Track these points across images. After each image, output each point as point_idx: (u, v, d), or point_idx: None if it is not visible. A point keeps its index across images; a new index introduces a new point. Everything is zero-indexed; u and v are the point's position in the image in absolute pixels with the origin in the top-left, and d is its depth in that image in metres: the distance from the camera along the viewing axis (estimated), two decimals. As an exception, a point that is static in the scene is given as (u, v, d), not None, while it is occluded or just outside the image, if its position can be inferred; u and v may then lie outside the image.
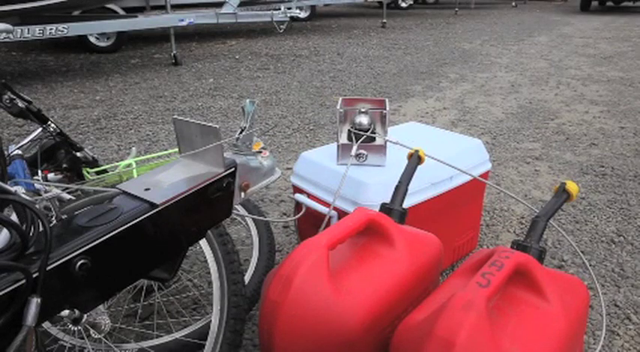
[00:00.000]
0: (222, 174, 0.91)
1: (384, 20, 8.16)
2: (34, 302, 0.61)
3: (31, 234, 0.66)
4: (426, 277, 1.06)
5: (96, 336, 1.07)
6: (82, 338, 1.13)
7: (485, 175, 1.58)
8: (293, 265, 0.92)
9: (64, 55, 5.55)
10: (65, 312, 0.90)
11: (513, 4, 12.88)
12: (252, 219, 1.56)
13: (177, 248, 0.89)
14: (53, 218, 0.78)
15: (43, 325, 1.17)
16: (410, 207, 1.27)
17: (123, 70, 4.87)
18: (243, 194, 1.02)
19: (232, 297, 1.11)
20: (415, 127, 1.80)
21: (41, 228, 0.66)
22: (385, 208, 1.15)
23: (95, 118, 3.33)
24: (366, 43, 6.53)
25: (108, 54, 5.61)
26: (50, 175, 1.43)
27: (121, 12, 5.48)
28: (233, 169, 0.93)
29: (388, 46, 6.29)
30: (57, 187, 0.90)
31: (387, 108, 1.38)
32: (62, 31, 4.23)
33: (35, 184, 1.12)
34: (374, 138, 1.40)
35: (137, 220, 0.76)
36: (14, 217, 0.67)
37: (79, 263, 0.68)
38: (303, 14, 8.46)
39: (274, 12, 5.47)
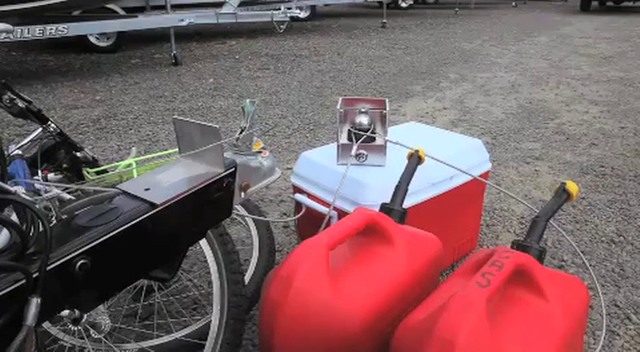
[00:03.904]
0: (222, 174, 0.90)
1: (384, 20, 8.16)
2: (34, 302, 0.61)
3: (31, 234, 0.66)
4: (425, 277, 1.06)
5: (96, 336, 1.07)
6: (82, 338, 1.13)
7: (485, 175, 1.58)
8: (293, 265, 0.92)
9: (64, 55, 5.55)
10: (65, 312, 0.91)
11: (513, 4, 12.87)
12: (252, 219, 1.56)
13: (177, 248, 0.89)
14: (53, 218, 0.77)
15: (43, 325, 1.17)
16: (410, 207, 1.27)
17: (123, 70, 4.87)
18: (243, 194, 1.02)
19: (232, 297, 1.11)
20: (415, 127, 1.80)
21: (41, 228, 0.66)
22: (385, 208, 1.15)
23: (95, 118, 3.33)
24: (366, 43, 6.53)
25: (108, 54, 5.61)
26: (50, 175, 1.43)
27: (121, 12, 5.47)
28: (233, 169, 0.93)
29: (388, 46, 6.29)
30: (57, 187, 0.90)
31: (387, 108, 1.38)
32: (62, 31, 4.23)
33: (35, 184, 1.12)
34: (374, 138, 1.40)
35: (137, 220, 0.76)
36: (14, 217, 0.67)
37: (79, 263, 0.68)
38: (303, 14, 8.45)
39: (274, 12, 5.46)
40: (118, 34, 5.64)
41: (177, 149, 0.97)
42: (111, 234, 0.72)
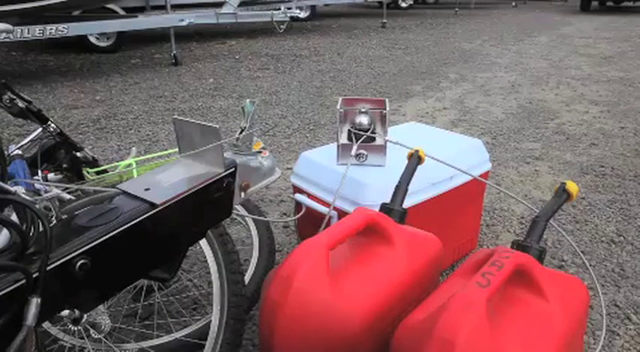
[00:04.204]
0: (222, 174, 0.90)
1: (384, 20, 8.16)
2: (34, 302, 0.61)
3: (31, 234, 0.66)
4: (425, 277, 1.06)
5: (96, 336, 1.07)
6: (82, 338, 1.13)
7: (485, 175, 1.58)
8: (293, 265, 0.92)
9: (64, 55, 5.55)
10: (65, 312, 0.90)
11: (513, 4, 12.88)
12: (252, 219, 1.56)
13: (177, 248, 0.89)
14: (53, 218, 0.77)
15: (43, 325, 1.17)
16: (410, 207, 1.27)
17: (123, 70, 4.87)
18: (243, 194, 1.02)
19: (232, 297, 1.11)
20: (415, 127, 1.80)
21: (41, 228, 0.66)
22: (385, 208, 1.15)
23: (95, 118, 3.33)
24: (366, 43, 6.53)
25: (108, 54, 5.61)
26: (50, 175, 1.43)
27: (121, 12, 5.47)
28: (233, 169, 0.93)
29: (388, 46, 6.29)
30: (57, 187, 0.90)
31: (387, 108, 1.38)
32: (62, 31, 4.23)
33: (35, 184, 1.12)
34: (374, 138, 1.40)
35: (137, 220, 0.76)
36: (14, 217, 0.67)
37: (79, 263, 0.68)
38: (303, 14, 8.45)
39: (274, 12, 5.46)
40: (118, 34, 5.64)
41: (177, 149, 0.97)
42: (111, 234, 0.72)
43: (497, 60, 5.38)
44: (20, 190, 0.91)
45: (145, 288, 1.34)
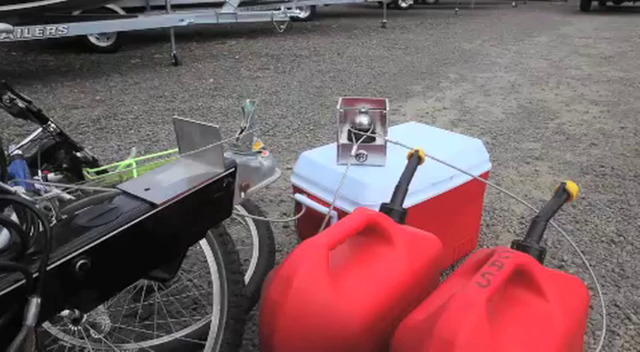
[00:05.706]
0: (222, 174, 0.90)
1: (384, 20, 8.16)
2: (34, 302, 0.61)
3: (31, 234, 0.66)
4: (425, 277, 1.06)
5: (96, 336, 1.07)
6: (82, 338, 1.13)
7: (485, 175, 1.58)
8: (293, 265, 0.92)
9: (64, 55, 5.54)
10: (65, 312, 0.91)
11: (513, 4, 12.87)
12: (252, 219, 1.56)
13: (177, 248, 0.89)
14: (53, 218, 0.77)
15: (43, 325, 1.17)
16: (410, 207, 1.27)
17: (123, 70, 4.87)
18: (243, 194, 1.02)
19: (232, 297, 1.11)
20: (415, 127, 1.80)
21: (41, 228, 0.66)
22: (385, 208, 1.15)
23: (95, 118, 3.33)
24: (366, 43, 6.53)
25: (108, 54, 5.61)
26: (50, 175, 1.43)
27: (121, 12, 5.47)
28: (233, 169, 0.93)
29: (388, 46, 6.29)
30: (57, 187, 0.90)
31: (387, 108, 1.38)
32: (62, 31, 4.23)
33: (35, 184, 1.12)
34: (374, 138, 1.40)
35: (137, 220, 0.76)
36: (14, 217, 0.67)
37: (79, 263, 0.68)
38: (303, 14, 8.45)
39: (274, 12, 5.46)
40: (118, 34, 5.64)
41: (177, 149, 0.97)
42: (111, 234, 0.72)
43: (497, 60, 5.38)
44: (20, 190, 0.91)
45: (145, 288, 1.34)
